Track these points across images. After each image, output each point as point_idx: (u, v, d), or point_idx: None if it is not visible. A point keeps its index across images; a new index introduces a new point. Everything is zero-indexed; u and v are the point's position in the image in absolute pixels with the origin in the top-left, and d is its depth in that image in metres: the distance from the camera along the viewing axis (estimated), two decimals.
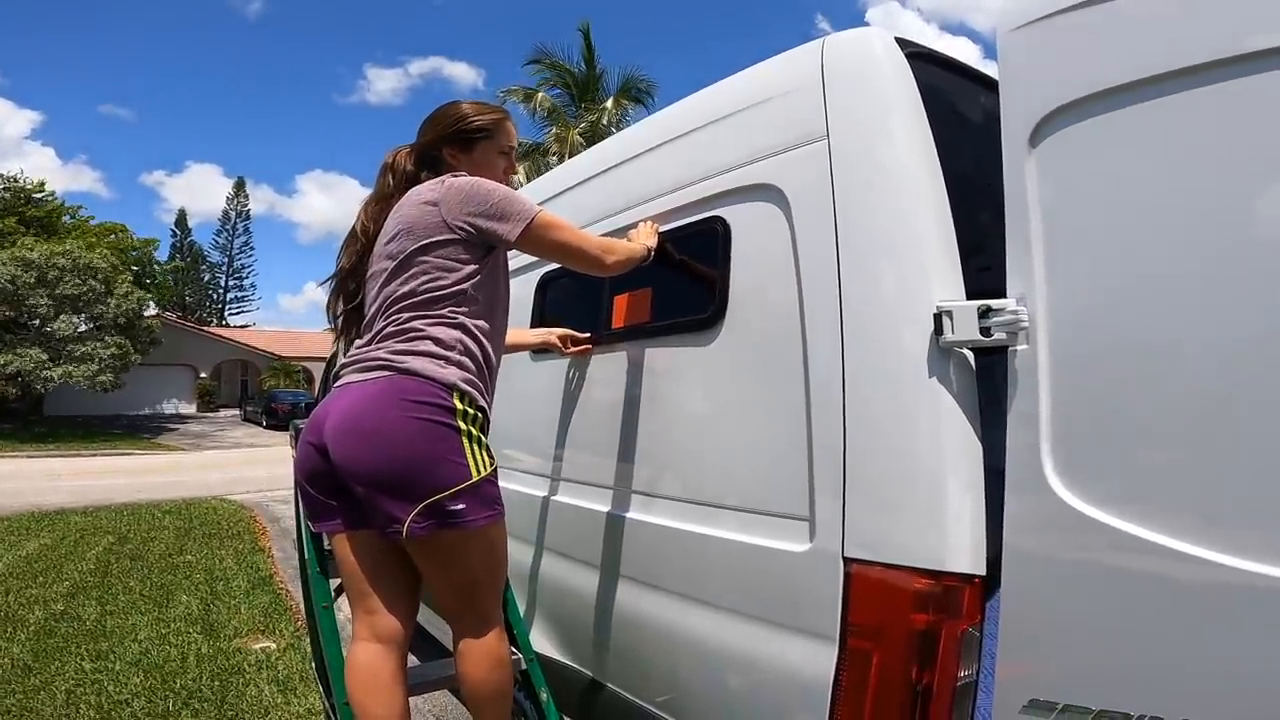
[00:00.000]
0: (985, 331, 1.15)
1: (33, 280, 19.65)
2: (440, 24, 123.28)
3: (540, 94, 18.15)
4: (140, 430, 23.48)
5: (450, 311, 1.55)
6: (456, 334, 1.54)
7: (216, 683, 3.29)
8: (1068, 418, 1.09)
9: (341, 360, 1.66)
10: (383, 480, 1.44)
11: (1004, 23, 1.17)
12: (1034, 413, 1.12)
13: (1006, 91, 1.17)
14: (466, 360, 1.54)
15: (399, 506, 1.43)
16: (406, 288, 1.55)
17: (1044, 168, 1.13)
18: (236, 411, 31.77)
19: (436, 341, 1.51)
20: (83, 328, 20.85)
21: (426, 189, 1.62)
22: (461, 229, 1.55)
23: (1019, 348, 1.14)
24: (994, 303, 1.15)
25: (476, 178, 1.62)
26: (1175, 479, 1.00)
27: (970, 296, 1.28)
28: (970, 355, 1.24)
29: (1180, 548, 0.97)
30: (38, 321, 20.31)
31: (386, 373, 1.49)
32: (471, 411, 1.51)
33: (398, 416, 1.44)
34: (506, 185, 1.72)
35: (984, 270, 2.42)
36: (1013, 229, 1.16)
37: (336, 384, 1.58)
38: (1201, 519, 0.96)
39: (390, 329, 1.55)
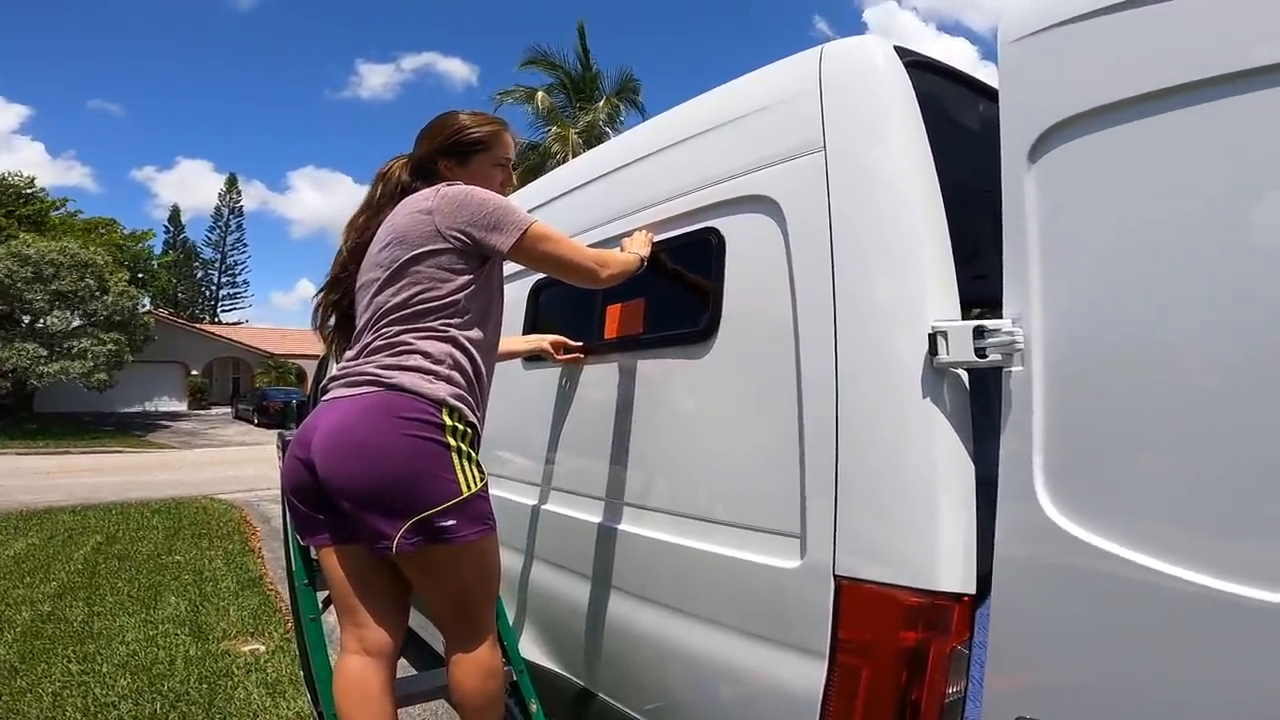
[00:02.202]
0: (980, 352, 1.14)
1: (29, 275, 19.51)
2: (433, 19, 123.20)
3: (541, 93, 18.12)
4: (131, 428, 23.34)
5: (441, 324, 1.53)
6: (446, 348, 1.52)
7: (204, 685, 3.26)
8: (1062, 439, 1.08)
9: (329, 373, 1.64)
10: (371, 497, 1.42)
11: (1005, 34, 1.15)
12: (1027, 433, 1.10)
13: (1006, 104, 1.15)
14: (456, 375, 1.52)
15: (387, 523, 1.42)
16: (398, 299, 1.54)
17: (1044, 183, 1.11)
18: (228, 409, 31.61)
19: (426, 356, 1.49)
20: (75, 324, 20.69)
21: (420, 197, 1.61)
22: (455, 238, 1.54)
23: (1014, 369, 1.13)
24: (989, 323, 1.14)
25: (471, 187, 1.60)
26: (1169, 503, 0.99)
27: (965, 305, 1.28)
28: (964, 374, 1.23)
29: (1172, 571, 0.96)
30: (29, 318, 20.15)
31: (374, 388, 1.47)
32: (461, 427, 1.49)
33: (386, 433, 1.42)
34: (502, 194, 1.71)
35: (979, 278, 2.43)
36: (1010, 246, 1.14)
37: (324, 398, 1.56)
38: (1195, 543, 0.95)
39: (378, 343, 1.53)
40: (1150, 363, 1.01)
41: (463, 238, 1.54)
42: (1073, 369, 1.08)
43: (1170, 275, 0.99)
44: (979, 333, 1.14)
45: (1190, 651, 0.95)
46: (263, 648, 3.80)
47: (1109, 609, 1.02)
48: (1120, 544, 1.01)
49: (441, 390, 1.48)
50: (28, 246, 20.05)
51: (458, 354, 1.53)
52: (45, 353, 19.55)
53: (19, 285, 19.36)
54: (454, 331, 1.54)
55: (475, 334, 1.58)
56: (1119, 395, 1.03)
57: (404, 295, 1.53)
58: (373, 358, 1.52)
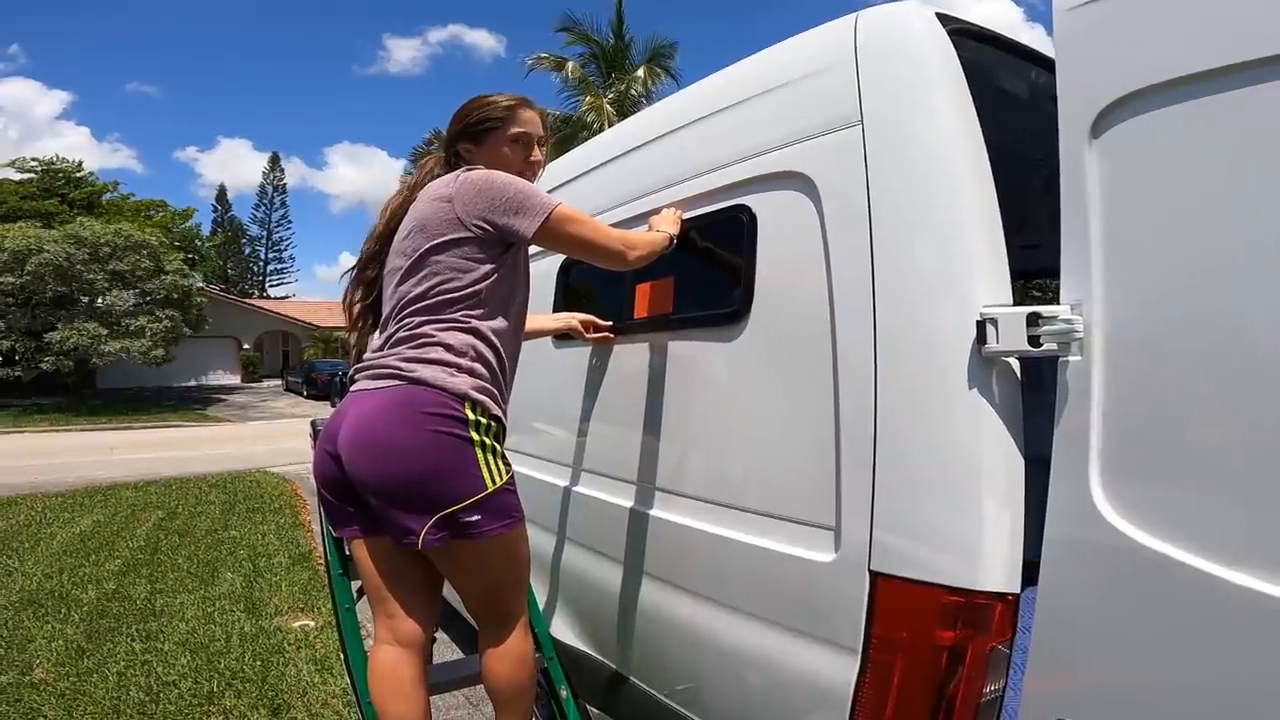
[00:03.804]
0: (1034, 341, 1.06)
1: (85, 257, 20.21)
2: None
3: (571, 63, 17.83)
4: (190, 402, 24.24)
5: (463, 315, 1.49)
6: (469, 339, 1.48)
7: (258, 663, 3.36)
8: (1122, 437, 1.00)
9: (355, 362, 1.62)
10: (395, 493, 1.41)
11: (1062, 0, 1.05)
12: (1084, 428, 1.03)
13: (1065, 77, 1.05)
14: (479, 367, 1.48)
15: (413, 519, 1.41)
16: (419, 289, 1.50)
17: (1106, 162, 1.01)
18: (279, 382, 32.51)
19: (448, 348, 1.46)
20: (131, 303, 21.43)
21: (441, 184, 1.57)
22: (477, 227, 1.49)
23: (1071, 358, 1.04)
24: (1045, 309, 1.05)
25: (491, 171, 1.55)
26: (1237, 507, 0.90)
27: (1015, 275, 1.20)
28: (1015, 363, 1.14)
29: (1234, 578, 0.89)
30: (87, 299, 20.91)
31: (396, 382, 1.44)
32: (485, 421, 1.46)
33: (409, 429, 1.40)
34: (530, 174, 1.66)
35: (1030, 248, 2.30)
36: (1069, 228, 1.05)
37: (351, 388, 1.54)
38: (1260, 550, 0.88)
39: (402, 334, 1.50)
40: (1220, 357, 0.92)
41: (485, 225, 1.49)
42: (1136, 360, 0.99)
43: (1246, 264, 0.89)
44: (1033, 320, 1.06)
45: (1247, 660, 0.89)
46: (312, 623, 3.91)
47: (1169, 616, 0.95)
48: (1182, 548, 0.94)
49: (464, 383, 1.45)
50: (83, 229, 20.73)
51: (480, 345, 1.50)
52: (105, 331, 20.30)
53: (77, 267, 20.08)
54: (476, 322, 1.50)
55: (498, 323, 1.54)
56: (1185, 390, 0.95)
57: (425, 286, 1.50)
58: (395, 349, 1.49)
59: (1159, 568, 0.95)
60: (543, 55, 18.10)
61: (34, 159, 27.77)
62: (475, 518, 1.41)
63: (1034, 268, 2.45)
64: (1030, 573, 1.13)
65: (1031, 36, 1.61)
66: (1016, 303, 1.15)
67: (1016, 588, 1.13)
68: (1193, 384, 0.94)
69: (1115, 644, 1.01)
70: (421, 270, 1.51)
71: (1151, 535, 0.96)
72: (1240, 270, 0.90)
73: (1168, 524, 0.95)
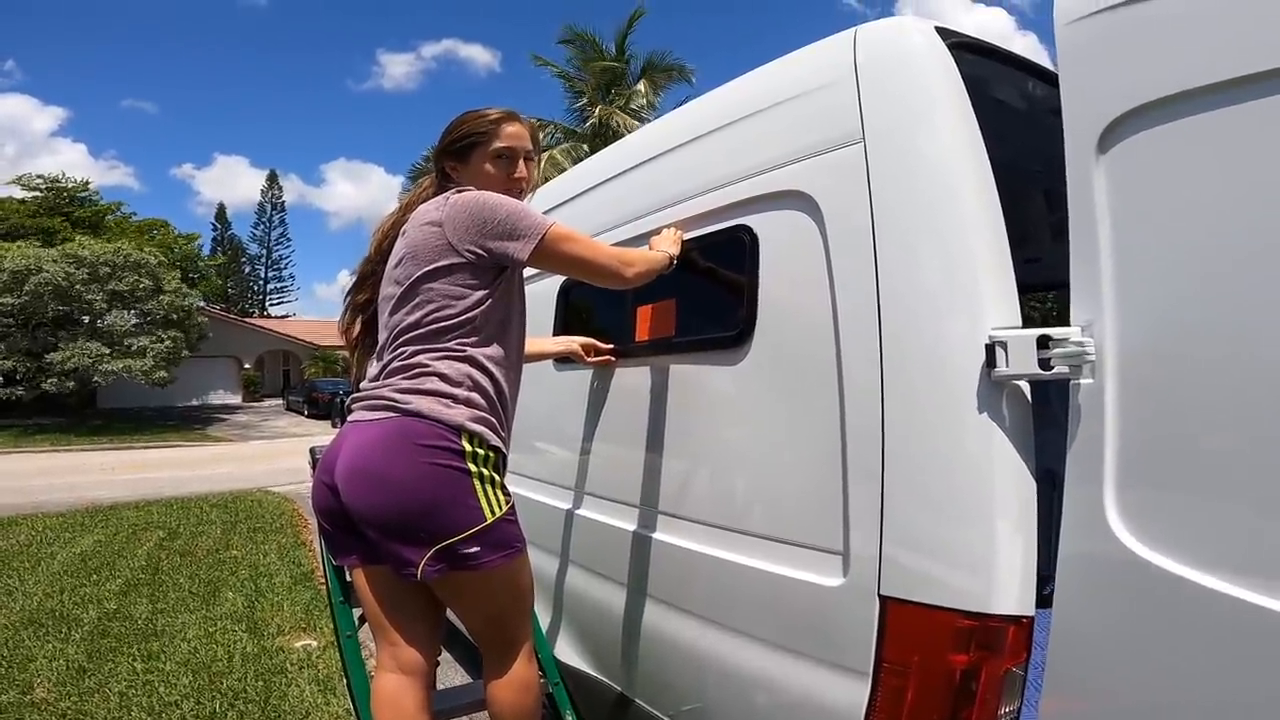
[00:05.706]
0: (1045, 364, 1.04)
1: (85, 276, 20.24)
2: (451, 4, 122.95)
3: (601, 64, 17.89)
4: (192, 421, 24.18)
5: (458, 344, 1.47)
6: (464, 368, 1.46)
7: (260, 683, 3.34)
8: (1135, 458, 0.98)
9: (354, 388, 1.61)
10: (392, 525, 1.39)
11: (1063, 13, 1.03)
12: (1098, 452, 1.01)
13: (1069, 92, 1.04)
14: (476, 396, 1.46)
15: (411, 550, 1.39)
16: (411, 318, 1.48)
17: (1115, 177, 1.00)
18: (280, 401, 32.45)
19: (443, 378, 1.44)
20: (133, 323, 21.45)
21: (431, 207, 1.54)
22: (470, 252, 1.46)
23: (1083, 381, 1.02)
24: (1055, 332, 1.03)
25: (481, 193, 1.52)
26: (1253, 527, 0.89)
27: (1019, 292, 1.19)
28: (1025, 385, 1.13)
29: (1255, 600, 0.87)
30: (88, 319, 20.93)
31: (392, 413, 1.42)
32: (482, 452, 1.44)
33: (404, 462, 1.38)
34: (516, 190, 1.62)
35: (1031, 262, 2.29)
36: (1078, 248, 1.03)
37: (348, 417, 1.52)
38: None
39: (396, 364, 1.48)
40: (1235, 377, 0.90)
41: (478, 250, 1.46)
42: (1149, 381, 0.97)
43: (1262, 281, 0.88)
44: (1043, 342, 1.04)
45: (1265, 680, 0.87)
46: (314, 643, 3.88)
47: (1185, 637, 0.93)
48: (1198, 569, 0.92)
49: (460, 415, 1.42)
50: (82, 248, 20.78)
51: (477, 374, 1.47)
52: (107, 351, 20.28)
53: (77, 287, 20.11)
54: (471, 350, 1.47)
55: (495, 350, 1.51)
56: (1199, 411, 0.93)
57: (417, 315, 1.48)
58: (390, 380, 1.47)
59: (1174, 588, 0.93)
60: (552, 63, 18.28)
61: (39, 176, 27.94)
62: (474, 549, 1.39)
63: (1037, 281, 2.45)
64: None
65: (1024, 44, 1.60)
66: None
67: (1030, 610, 1.11)
68: (1207, 404, 0.92)
69: (1131, 665, 0.99)
70: (414, 299, 1.48)
71: (1167, 556, 0.94)
72: (1256, 287, 0.88)
73: (1183, 545, 0.93)
